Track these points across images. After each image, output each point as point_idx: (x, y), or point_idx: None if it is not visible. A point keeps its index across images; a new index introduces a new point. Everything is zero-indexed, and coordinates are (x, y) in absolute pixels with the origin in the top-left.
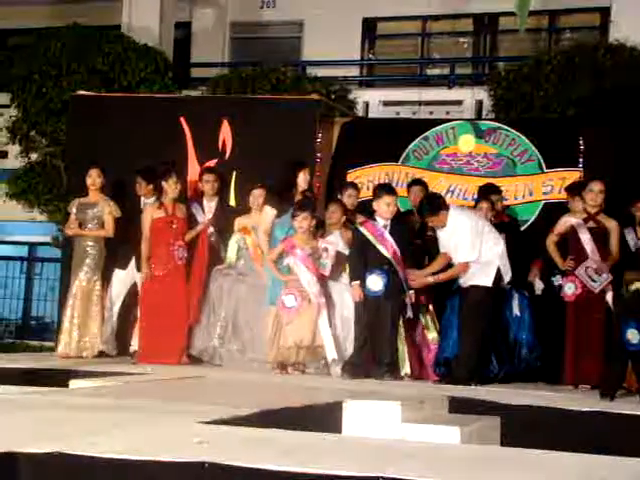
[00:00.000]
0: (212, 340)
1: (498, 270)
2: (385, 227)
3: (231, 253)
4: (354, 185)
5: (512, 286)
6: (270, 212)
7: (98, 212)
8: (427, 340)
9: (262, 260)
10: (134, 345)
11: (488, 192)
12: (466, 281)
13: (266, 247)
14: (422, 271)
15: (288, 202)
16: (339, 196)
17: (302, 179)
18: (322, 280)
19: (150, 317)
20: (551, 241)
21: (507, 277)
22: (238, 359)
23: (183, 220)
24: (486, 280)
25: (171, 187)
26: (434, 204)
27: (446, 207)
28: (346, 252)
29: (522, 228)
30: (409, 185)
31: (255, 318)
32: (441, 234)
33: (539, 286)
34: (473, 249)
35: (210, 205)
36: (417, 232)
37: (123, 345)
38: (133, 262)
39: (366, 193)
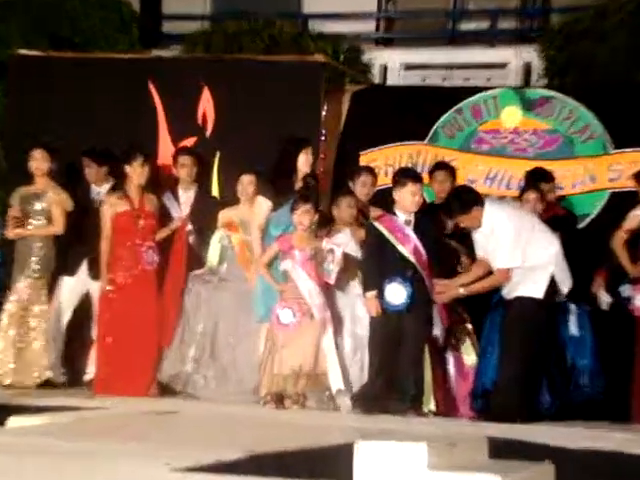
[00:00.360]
0: (185, 364)
1: (552, 278)
2: (408, 223)
3: (213, 254)
4: (370, 170)
5: (569, 298)
6: (264, 204)
7: (45, 204)
8: (464, 367)
9: (251, 264)
10: (90, 373)
11: (537, 179)
12: (510, 291)
13: (259, 247)
14: (452, 281)
15: (286, 191)
16: (350, 184)
17: (304, 161)
18: (327, 290)
19: (111, 336)
20: (619, 240)
21: (565, 287)
22: (216, 388)
23: (153, 214)
24: (535, 290)
25: (137, 172)
26: (465, 200)
27: (480, 202)
28: (358, 255)
29: (582, 224)
30: (432, 170)
31: (239, 335)
32: (477, 236)
33: (605, 299)
34: (515, 253)
35: (187, 195)
36: (452, 230)
37: (74, 372)
38: (84, 267)
39: (383, 180)
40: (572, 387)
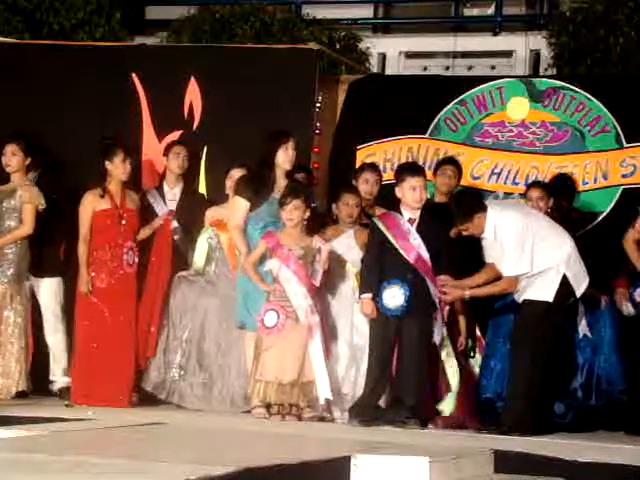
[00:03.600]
0: (171, 371)
1: (565, 280)
2: (412, 222)
3: (199, 255)
4: (373, 167)
5: (579, 298)
6: (243, 204)
7: (17, 202)
8: (474, 377)
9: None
10: (60, 381)
11: (558, 192)
12: (520, 294)
13: (242, 247)
14: (460, 282)
15: (263, 190)
16: (353, 182)
17: (283, 157)
18: (318, 293)
19: (89, 343)
20: (630, 240)
21: (581, 290)
22: (205, 397)
23: (135, 213)
24: (545, 292)
25: (118, 169)
26: (465, 207)
27: (482, 208)
28: (355, 256)
29: (593, 223)
30: (439, 163)
31: (228, 341)
32: (483, 242)
33: (629, 310)
34: (521, 259)
35: (173, 192)
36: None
37: (35, 379)
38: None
39: (382, 176)
40: (592, 392)
